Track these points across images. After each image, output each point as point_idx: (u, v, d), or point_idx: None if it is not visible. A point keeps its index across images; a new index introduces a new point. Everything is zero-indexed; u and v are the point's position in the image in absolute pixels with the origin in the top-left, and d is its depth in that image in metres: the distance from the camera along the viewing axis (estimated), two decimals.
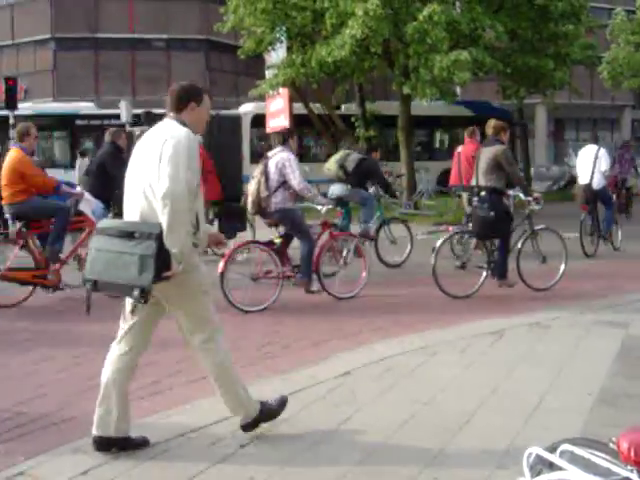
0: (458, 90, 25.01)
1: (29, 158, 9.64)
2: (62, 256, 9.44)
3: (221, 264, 8.57)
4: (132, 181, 4.43)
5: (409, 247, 11.97)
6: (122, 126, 20.98)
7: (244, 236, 11.92)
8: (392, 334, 7.35)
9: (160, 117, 4.65)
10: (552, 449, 2.43)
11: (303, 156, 24.39)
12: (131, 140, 12.26)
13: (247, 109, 25.88)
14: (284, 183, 8.94)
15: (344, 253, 9.89)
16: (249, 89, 21.39)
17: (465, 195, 11.59)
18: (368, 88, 25.05)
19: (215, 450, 4.37)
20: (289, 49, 20.30)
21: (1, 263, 9.44)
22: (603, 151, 13.22)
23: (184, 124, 4.39)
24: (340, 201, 11.54)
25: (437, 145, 31.71)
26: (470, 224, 9.75)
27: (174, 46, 45.78)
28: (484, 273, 9.48)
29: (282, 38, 20.13)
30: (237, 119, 21.92)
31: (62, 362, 6.58)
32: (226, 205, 12.73)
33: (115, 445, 4.33)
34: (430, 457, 4.24)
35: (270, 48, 20.75)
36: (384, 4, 16.70)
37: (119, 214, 5.36)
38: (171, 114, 4.49)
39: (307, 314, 8.65)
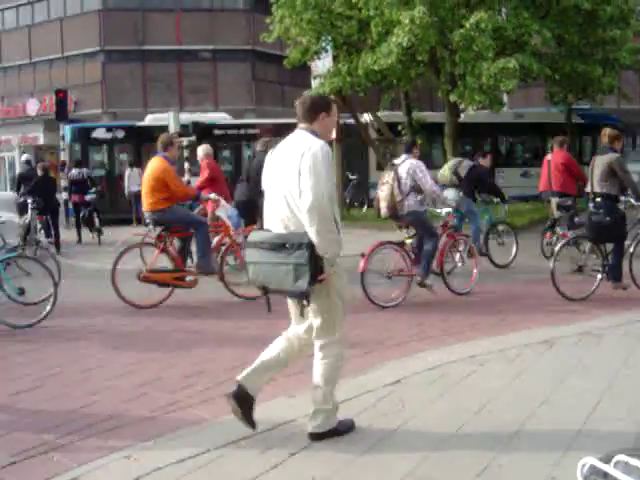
0: (505, 98, 24.81)
1: (173, 167, 10.10)
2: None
3: (361, 264, 9.27)
4: (272, 192, 4.71)
5: (514, 249, 12.84)
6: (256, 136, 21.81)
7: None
8: (442, 342, 7.34)
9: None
10: (607, 459, 2.41)
11: (348, 164, 24.57)
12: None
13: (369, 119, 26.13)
14: (414, 187, 9.72)
15: (460, 253, 10.79)
16: (295, 99, 21.45)
17: (554, 200, 12.85)
18: (414, 96, 25.00)
19: (271, 453, 4.41)
20: (335, 58, 20.34)
21: (142, 266, 10.03)
22: None
23: (315, 134, 4.66)
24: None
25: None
26: (557, 227, 12.26)
27: (220, 57, 46.10)
28: (599, 276, 9.92)
29: (328, 47, 20.19)
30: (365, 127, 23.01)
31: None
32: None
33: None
34: (481, 468, 4.21)
35: (316, 57, 20.80)
36: (430, 12, 16.67)
37: None
38: (302, 125, 4.76)
39: (365, 316, 8.65)
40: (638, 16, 22.51)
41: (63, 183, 19.81)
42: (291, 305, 4.85)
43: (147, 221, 10.09)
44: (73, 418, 5.36)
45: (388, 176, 9.82)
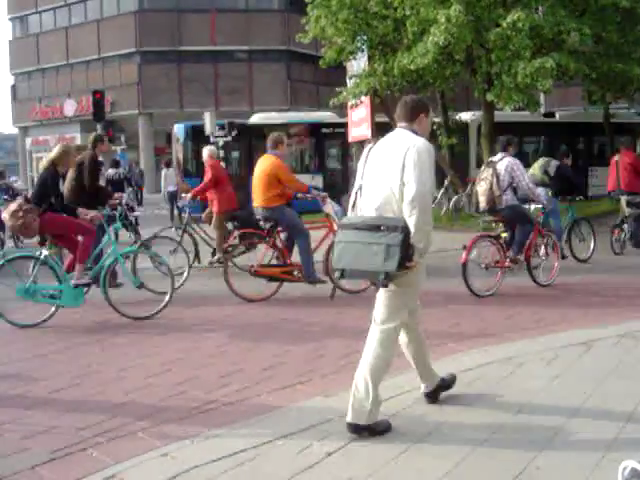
0: (542, 97, 24.68)
1: (284, 164, 10.46)
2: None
3: (463, 255, 9.97)
4: (372, 185, 4.99)
5: (592, 244, 13.43)
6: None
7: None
8: (479, 343, 7.30)
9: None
10: None
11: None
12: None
13: (472, 117, 26.28)
14: (511, 184, 10.47)
15: (546, 247, 11.25)
16: (330, 98, 21.46)
17: (623, 198, 14.17)
18: (450, 96, 24.88)
19: (308, 453, 4.42)
20: (370, 58, 20.28)
21: (253, 261, 10.45)
22: None
23: (415, 132, 5.01)
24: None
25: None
26: (624, 225, 13.76)
27: (256, 57, 46.30)
28: None
29: (363, 47, 20.13)
30: (464, 126, 23.11)
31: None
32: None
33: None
34: (518, 470, 4.18)
35: (351, 57, 20.76)
36: (466, 10, 16.56)
37: None
38: (402, 124, 5.09)
39: None
40: None
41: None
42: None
43: (257, 217, 10.51)
44: (129, 410, 5.42)
45: (486, 172, 10.51)
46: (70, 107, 48.70)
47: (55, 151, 9.33)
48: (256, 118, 27.66)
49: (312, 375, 6.43)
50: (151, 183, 42.71)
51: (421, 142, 4.85)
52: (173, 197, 23.03)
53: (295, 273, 10.28)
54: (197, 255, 12.17)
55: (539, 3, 17.97)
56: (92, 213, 9.31)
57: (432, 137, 23.05)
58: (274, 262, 10.49)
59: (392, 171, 4.81)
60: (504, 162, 10.57)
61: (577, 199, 14.03)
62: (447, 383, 5.48)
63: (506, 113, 22.74)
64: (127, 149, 39.51)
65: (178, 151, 27.08)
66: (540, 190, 12.47)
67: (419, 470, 4.23)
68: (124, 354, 7.38)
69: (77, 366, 6.95)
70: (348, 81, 21.57)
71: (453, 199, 22.47)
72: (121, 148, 35.68)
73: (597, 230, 13.71)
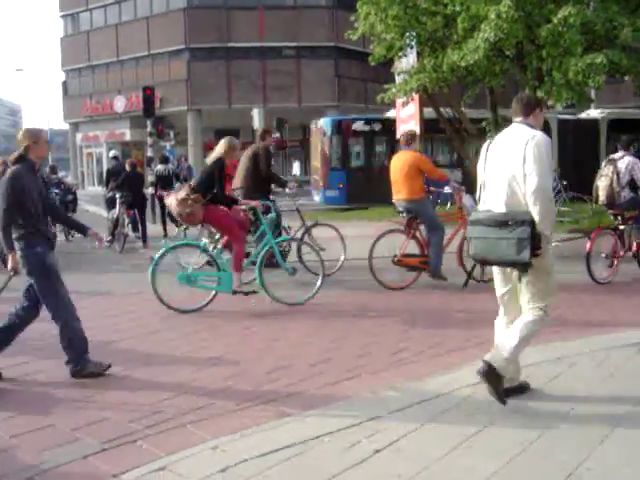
0: (593, 94, 24.36)
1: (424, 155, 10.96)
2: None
3: (588, 244, 10.76)
4: (494, 178, 5.32)
5: None
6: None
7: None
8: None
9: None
10: None
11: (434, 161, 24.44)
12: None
13: (601, 114, 26.39)
14: (630, 181, 11.07)
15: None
16: (377, 95, 21.39)
17: None
18: (499, 92, 24.65)
19: (355, 450, 4.42)
20: (419, 54, 20.16)
21: (394, 251, 10.78)
22: None
23: (531, 126, 5.32)
24: None
25: None
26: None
27: (304, 54, 46.29)
28: None
29: (412, 44, 20.01)
30: (595, 123, 23.11)
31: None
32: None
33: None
34: (569, 470, 4.14)
35: (400, 54, 20.66)
36: (517, 6, 16.39)
37: None
38: (519, 119, 5.41)
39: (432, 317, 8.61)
40: None
41: (150, 178, 20.22)
42: (500, 292, 5.52)
43: (399, 209, 10.87)
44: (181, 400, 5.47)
45: (607, 169, 11.20)
46: (120, 103, 49.24)
47: (222, 146, 9.72)
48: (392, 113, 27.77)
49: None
50: None
51: (540, 135, 5.15)
52: None
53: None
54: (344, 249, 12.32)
55: None
56: (253, 203, 9.90)
57: (481, 133, 23.02)
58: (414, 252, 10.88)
59: (514, 164, 5.13)
60: (625, 160, 11.19)
61: None
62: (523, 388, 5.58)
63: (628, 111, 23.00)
64: (176, 145, 39.83)
65: (324, 144, 27.73)
66: None
67: (468, 468, 4.21)
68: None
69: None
70: (397, 77, 21.47)
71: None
72: (170, 144, 35.98)
73: None
